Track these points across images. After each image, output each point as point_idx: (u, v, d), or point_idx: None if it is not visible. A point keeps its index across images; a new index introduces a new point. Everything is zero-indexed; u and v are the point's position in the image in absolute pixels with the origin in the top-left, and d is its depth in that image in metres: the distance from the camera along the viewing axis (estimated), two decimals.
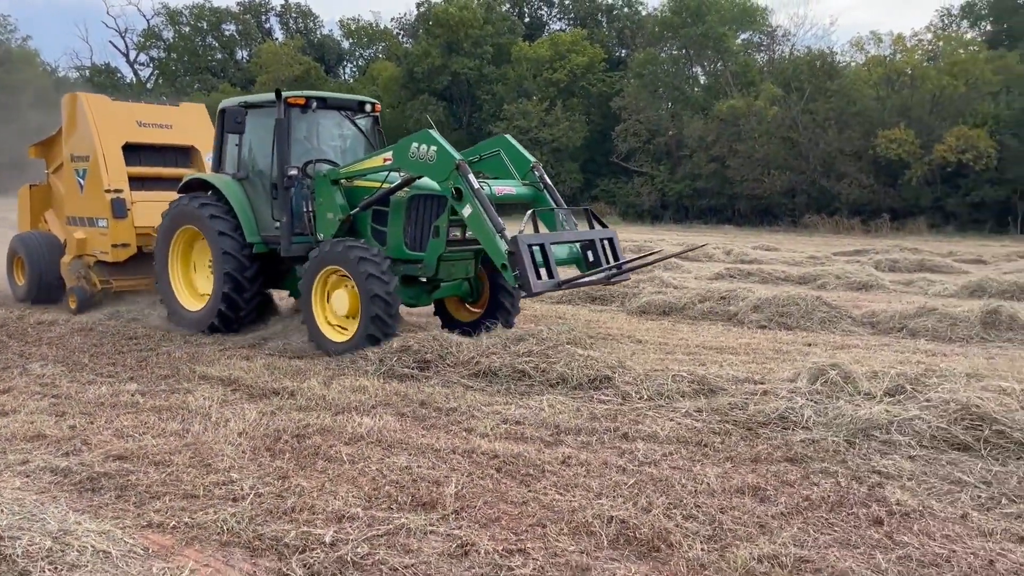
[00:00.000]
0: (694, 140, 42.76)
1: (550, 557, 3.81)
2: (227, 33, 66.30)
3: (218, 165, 10.38)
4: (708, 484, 4.76)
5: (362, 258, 8.40)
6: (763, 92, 41.83)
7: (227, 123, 9.55)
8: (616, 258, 8.70)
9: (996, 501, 4.51)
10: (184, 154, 12.84)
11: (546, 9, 60.35)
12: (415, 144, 8.55)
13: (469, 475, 4.90)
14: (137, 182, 11.83)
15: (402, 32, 62.61)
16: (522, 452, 5.34)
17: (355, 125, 10.37)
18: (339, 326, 8.84)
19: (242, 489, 4.62)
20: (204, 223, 9.77)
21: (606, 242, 8.76)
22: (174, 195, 11.50)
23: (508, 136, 9.46)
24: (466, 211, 8.13)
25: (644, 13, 54.43)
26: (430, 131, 8.54)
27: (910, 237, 31.59)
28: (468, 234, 8.74)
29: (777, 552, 3.81)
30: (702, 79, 48.72)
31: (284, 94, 9.52)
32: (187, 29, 65.33)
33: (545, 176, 9.15)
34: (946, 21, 47.74)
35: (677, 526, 4.14)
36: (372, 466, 5.05)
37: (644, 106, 45.06)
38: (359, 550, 3.83)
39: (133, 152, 12.04)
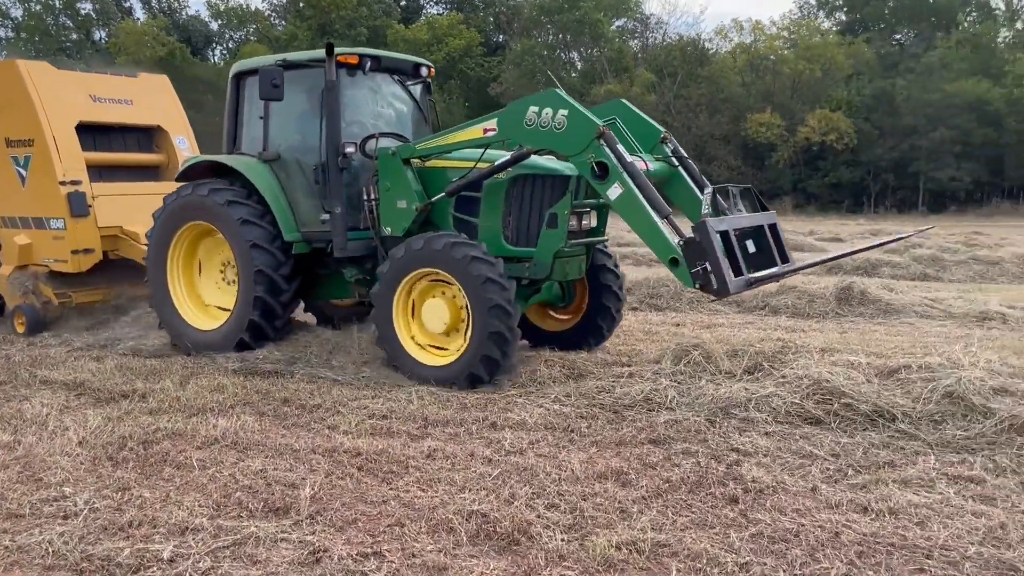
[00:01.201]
0: None
1: (407, 558, 3.67)
2: (83, 12, 62.23)
3: (233, 144, 8.37)
4: (572, 471, 4.73)
5: (475, 258, 6.58)
6: (638, 78, 42.83)
7: (262, 88, 7.35)
8: (781, 247, 6.93)
9: (843, 473, 4.68)
10: (147, 135, 10.59)
11: None
12: (534, 108, 6.63)
13: (328, 475, 4.70)
14: (94, 172, 9.70)
15: (274, 14, 60.52)
16: (386, 448, 5.17)
17: (407, 92, 8.43)
18: (432, 346, 7.02)
19: (75, 505, 4.25)
20: (221, 214, 7.75)
21: (769, 229, 6.98)
22: (145, 187, 9.90)
23: (625, 101, 7.45)
24: (613, 192, 6.32)
25: None
26: (557, 91, 6.70)
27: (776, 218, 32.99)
28: (585, 224, 7.26)
29: (635, 538, 3.81)
30: (579, 64, 49.40)
31: (336, 50, 7.50)
32: (38, 7, 60.90)
33: (680, 148, 7.35)
34: (804, 10, 50.12)
35: (539, 517, 4.08)
36: (224, 471, 4.76)
37: (522, 92, 45.33)
38: (200, 564, 3.58)
39: (86, 134, 9.73)
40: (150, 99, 10.60)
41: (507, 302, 6.52)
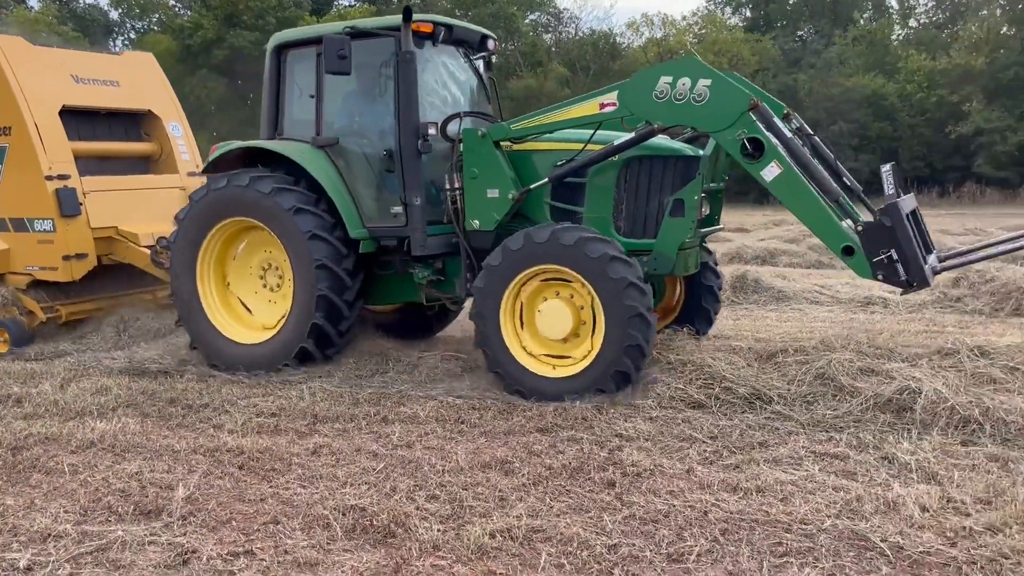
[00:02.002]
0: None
1: (279, 555, 3.63)
2: None
3: (273, 129, 7.33)
4: (457, 462, 4.76)
5: (614, 257, 5.74)
6: (551, 72, 43.14)
7: (328, 60, 6.35)
8: (922, 232, 6.06)
9: (719, 454, 4.85)
10: (134, 122, 9.39)
11: None
12: (666, 79, 5.82)
13: (207, 475, 4.61)
14: (78, 164, 8.50)
15: (178, 3, 58.48)
16: (271, 446, 5.10)
17: (472, 67, 7.56)
18: (547, 355, 6.13)
19: None
20: (268, 205, 6.69)
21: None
22: (141, 181, 8.85)
23: (735, 75, 6.37)
24: (770, 172, 5.62)
25: None
26: (695, 58, 6.07)
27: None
28: (704, 211, 6.47)
29: (511, 525, 3.86)
30: (494, 58, 49.49)
31: (415, 17, 6.56)
32: None
33: (806, 126, 6.54)
34: (712, 7, 51.34)
35: (418, 508, 4.10)
36: (97, 475, 4.61)
37: None
38: (59, 572, 3.46)
39: (68, 120, 8.56)
40: (137, 80, 9.36)
41: (648, 310, 5.75)
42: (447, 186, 6.63)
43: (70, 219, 8.16)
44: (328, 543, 3.76)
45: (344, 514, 4.01)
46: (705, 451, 4.90)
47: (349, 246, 6.82)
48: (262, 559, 3.60)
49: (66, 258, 8.17)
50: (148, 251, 8.34)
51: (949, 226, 19.48)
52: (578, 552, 3.64)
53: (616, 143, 6.21)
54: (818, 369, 5.70)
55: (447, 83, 7.33)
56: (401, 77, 6.55)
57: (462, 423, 5.55)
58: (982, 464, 4.53)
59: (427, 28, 6.69)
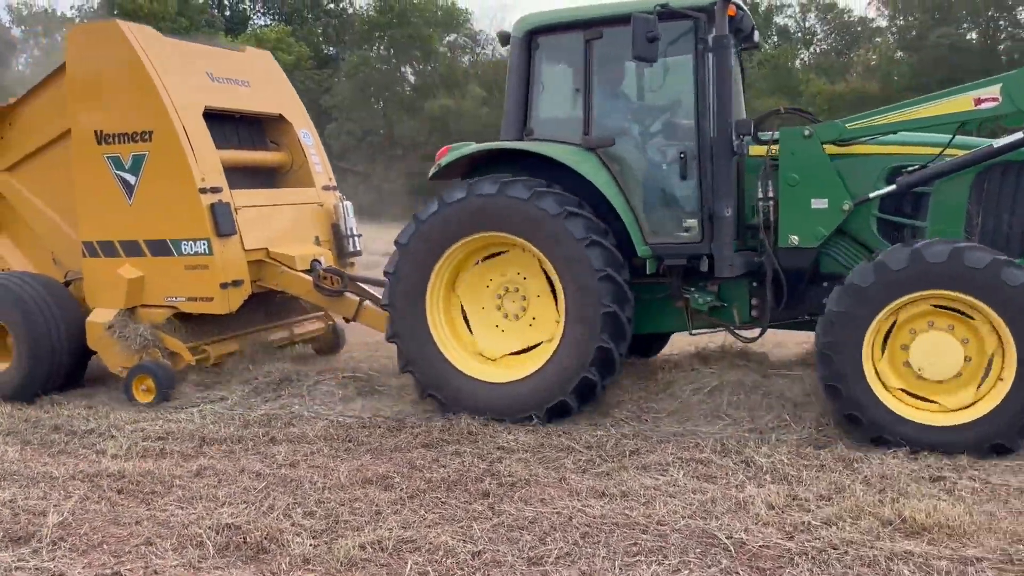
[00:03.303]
0: (406, 139, 43.53)
1: (148, 575, 3.69)
2: None
3: (522, 127, 6.27)
4: (339, 479, 4.87)
5: None
6: (469, 93, 43.57)
7: (637, 44, 5.35)
8: None
9: (593, 462, 5.09)
10: (259, 128, 8.12)
11: (249, 3, 57.99)
12: None
13: (83, 501, 4.60)
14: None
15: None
16: (153, 469, 5.11)
17: (739, 60, 6.49)
18: (902, 391, 5.17)
19: None
20: (546, 226, 5.69)
21: None
22: (286, 195, 7.74)
23: None
24: None
25: (351, 11, 54.27)
26: None
27: None
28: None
29: (382, 537, 4.00)
30: (412, 79, 49.64)
31: None
32: None
33: None
34: None
35: (293, 524, 4.20)
36: None
37: (356, 105, 45.00)
38: None
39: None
40: (266, 81, 8.20)
41: None
42: (761, 195, 5.73)
43: (226, 239, 6.91)
44: (199, 561, 3.83)
45: (218, 532, 4.08)
46: (580, 460, 5.13)
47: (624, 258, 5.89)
48: None
49: (223, 286, 6.89)
50: (309, 277, 7.28)
51: None
52: (443, 560, 3.80)
53: (997, 144, 5.32)
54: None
55: None
56: (715, 66, 5.64)
57: (350, 441, 5.66)
58: (830, 464, 4.89)
59: (732, 12, 5.74)
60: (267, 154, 8.08)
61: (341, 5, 55.33)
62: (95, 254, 7.16)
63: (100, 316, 7.03)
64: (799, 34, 51.14)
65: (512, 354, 6.13)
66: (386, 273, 6.24)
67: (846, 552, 3.76)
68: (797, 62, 48.62)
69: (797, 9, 50.49)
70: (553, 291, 5.96)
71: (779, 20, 50.61)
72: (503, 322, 6.16)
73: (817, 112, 37.97)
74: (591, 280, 5.63)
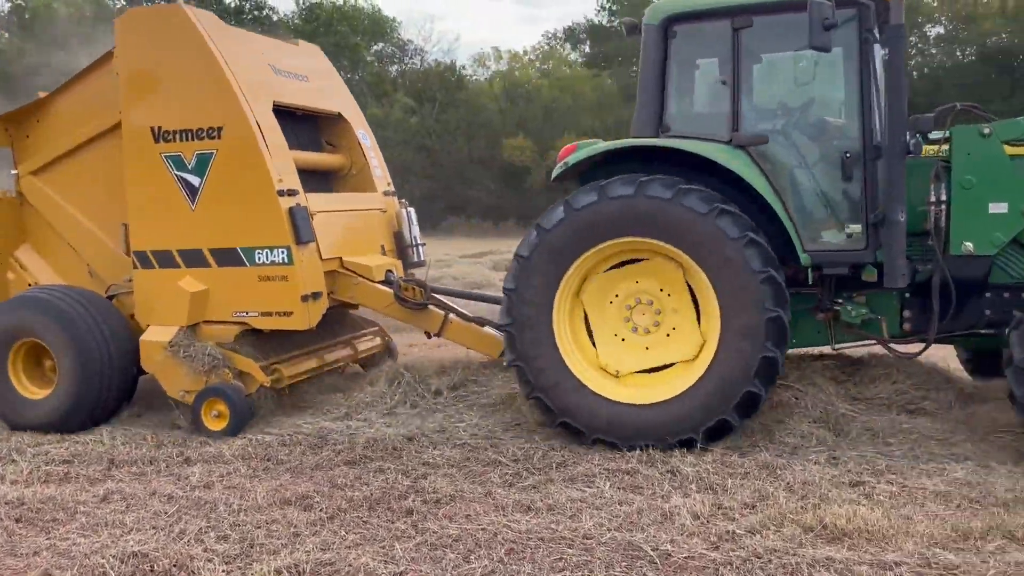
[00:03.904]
0: None
1: None
2: None
3: (657, 123, 5.71)
4: (256, 500, 4.68)
5: None
6: (397, 102, 43.29)
7: (812, 32, 4.90)
8: None
9: (519, 476, 5.01)
10: (314, 127, 7.44)
11: None
12: None
13: None
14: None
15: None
16: (56, 495, 4.83)
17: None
18: None
19: None
20: (698, 229, 5.18)
21: None
22: (351, 200, 7.16)
23: None
24: None
25: (276, 19, 53.37)
26: None
27: None
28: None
29: (299, 560, 3.84)
30: None
31: None
32: None
33: None
34: (552, 43, 53.23)
35: (205, 550, 4.00)
36: None
37: None
38: None
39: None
40: (322, 77, 7.56)
41: None
42: (934, 198, 5.33)
43: (304, 248, 6.25)
44: None
45: (123, 562, 3.86)
46: (507, 474, 5.05)
47: None
48: None
49: (304, 299, 6.22)
50: (388, 289, 6.75)
51: None
52: None
53: None
54: None
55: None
56: (889, 57, 5.26)
57: (268, 460, 5.46)
58: (754, 472, 4.92)
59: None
60: (327, 156, 7.44)
61: (266, 12, 54.39)
62: (149, 265, 6.42)
63: (157, 334, 6.29)
64: None
65: (639, 372, 5.57)
66: (506, 290, 5.63)
67: (769, 561, 3.77)
68: None
69: None
70: (696, 307, 5.43)
71: None
72: (630, 335, 5.59)
73: None
74: (751, 282, 5.11)
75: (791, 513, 4.23)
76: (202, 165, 6.25)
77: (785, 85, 5.92)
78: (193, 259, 6.35)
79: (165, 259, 6.40)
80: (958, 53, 37.35)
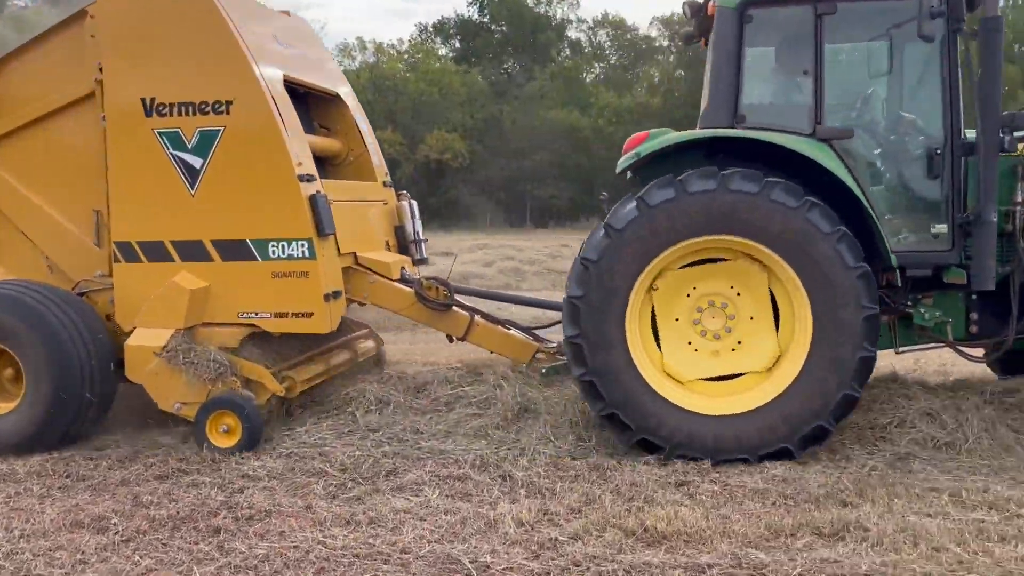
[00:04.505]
0: None
1: None
2: None
3: (732, 113, 5.27)
4: (43, 524, 4.23)
5: None
6: None
7: (922, 20, 4.76)
8: None
9: (344, 487, 4.77)
10: (305, 108, 6.52)
11: None
12: None
13: None
14: None
15: None
16: None
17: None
18: None
19: None
20: (777, 214, 4.84)
21: None
22: (359, 189, 6.44)
23: None
24: None
25: None
26: None
27: None
28: None
29: None
30: None
31: None
32: None
33: None
34: (423, 36, 52.82)
35: None
36: None
37: None
38: None
39: None
40: (317, 54, 6.75)
41: None
42: (1019, 199, 5.20)
43: (325, 241, 5.58)
44: None
45: None
46: (331, 485, 4.80)
47: None
48: None
49: (326, 298, 5.57)
50: (409, 289, 6.22)
51: None
52: None
53: None
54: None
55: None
56: (983, 50, 5.00)
57: (68, 477, 4.99)
58: (584, 474, 4.88)
59: None
60: (325, 140, 6.70)
61: None
62: (134, 258, 5.61)
63: (147, 338, 5.48)
64: (590, 49, 53.53)
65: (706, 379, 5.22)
66: (571, 298, 5.11)
67: (587, 568, 3.70)
68: (588, 76, 50.88)
69: (591, 24, 52.82)
70: (776, 313, 5.13)
71: (572, 34, 52.73)
72: (697, 340, 5.21)
73: (605, 125, 39.80)
74: (847, 279, 4.82)
75: (614, 517, 4.19)
76: (205, 144, 5.48)
77: (868, 76, 5.58)
78: (191, 252, 5.59)
79: (156, 252, 5.61)
80: None
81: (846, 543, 3.90)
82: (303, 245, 5.49)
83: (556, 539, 3.99)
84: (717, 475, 4.87)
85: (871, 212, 5.00)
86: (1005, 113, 5.06)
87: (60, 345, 5.34)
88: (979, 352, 5.76)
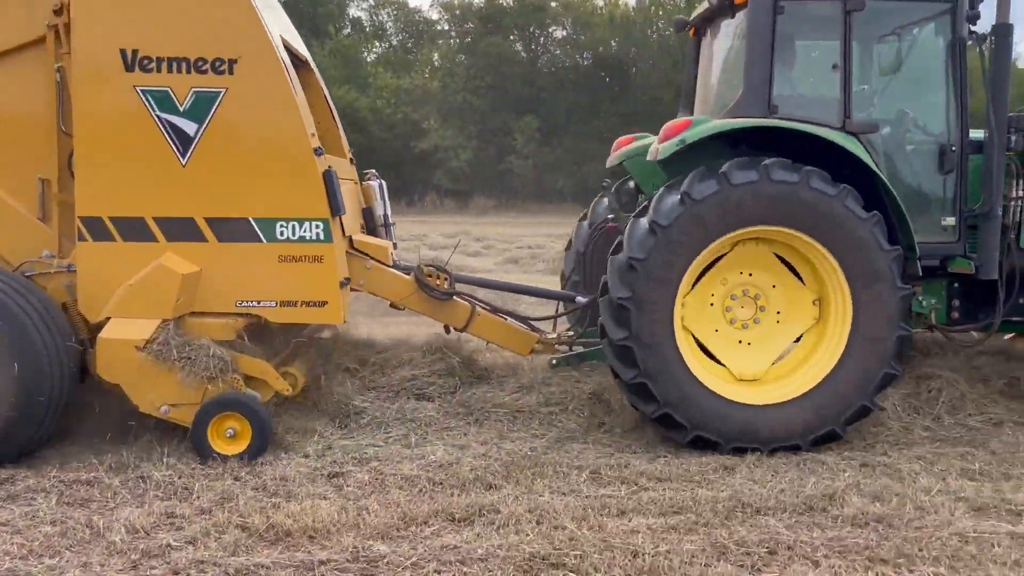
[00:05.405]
0: None
1: None
2: None
3: (766, 103, 5.25)
4: None
5: None
6: None
7: (959, 21, 5.32)
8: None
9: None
10: None
11: None
12: None
13: None
14: None
15: None
16: None
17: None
18: None
19: None
20: (818, 203, 4.87)
21: None
22: (336, 165, 5.34)
23: None
24: None
25: None
26: None
27: None
28: None
29: None
30: None
31: None
32: None
33: None
34: None
35: None
36: None
37: None
38: None
39: None
40: (279, 15, 5.71)
41: None
42: (1015, 193, 5.55)
43: (336, 222, 5.04)
44: None
45: None
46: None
47: None
48: None
49: (341, 285, 5.03)
50: (408, 276, 5.66)
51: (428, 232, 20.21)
52: None
53: None
54: None
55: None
56: (995, 54, 5.33)
57: None
58: (233, 471, 4.60)
59: None
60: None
61: None
62: (104, 236, 4.77)
63: (125, 330, 4.67)
64: (371, 28, 52.57)
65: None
66: (620, 299, 4.92)
67: (189, 575, 3.42)
68: (368, 55, 49.94)
69: (372, 3, 51.87)
70: (797, 276, 5.26)
71: (353, 12, 51.52)
72: (746, 334, 5.27)
73: (383, 106, 39.23)
74: (883, 261, 4.96)
75: (242, 516, 3.94)
76: (202, 107, 4.78)
77: (892, 72, 5.77)
78: (179, 231, 4.86)
79: (133, 229, 4.81)
80: (576, 56, 41.36)
81: (473, 527, 3.91)
82: (318, 226, 4.97)
83: (168, 545, 3.68)
84: (376, 464, 4.78)
85: (899, 204, 5.19)
86: (1011, 114, 5.49)
87: (26, 337, 4.52)
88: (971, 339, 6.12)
